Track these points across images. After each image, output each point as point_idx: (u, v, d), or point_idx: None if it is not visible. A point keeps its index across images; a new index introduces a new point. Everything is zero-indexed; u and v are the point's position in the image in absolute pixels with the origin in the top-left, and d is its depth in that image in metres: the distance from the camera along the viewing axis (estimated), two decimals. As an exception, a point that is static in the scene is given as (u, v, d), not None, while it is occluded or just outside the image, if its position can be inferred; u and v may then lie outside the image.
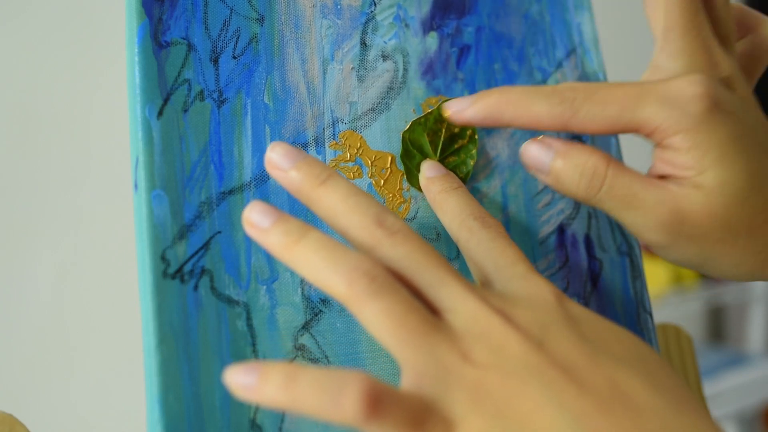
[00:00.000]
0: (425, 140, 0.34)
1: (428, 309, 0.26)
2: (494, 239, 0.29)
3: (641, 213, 0.30)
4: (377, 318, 0.24)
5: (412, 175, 0.33)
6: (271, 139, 0.31)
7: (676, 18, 0.31)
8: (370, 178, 0.33)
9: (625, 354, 0.25)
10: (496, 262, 0.28)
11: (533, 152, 0.31)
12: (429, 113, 0.34)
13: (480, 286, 0.29)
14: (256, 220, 0.26)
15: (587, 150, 0.30)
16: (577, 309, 0.27)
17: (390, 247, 0.26)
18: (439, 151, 0.34)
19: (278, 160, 0.27)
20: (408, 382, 0.24)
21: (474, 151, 0.34)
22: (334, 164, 0.32)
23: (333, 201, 0.27)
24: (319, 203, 0.27)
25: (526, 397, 0.23)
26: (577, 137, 0.37)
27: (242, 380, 0.23)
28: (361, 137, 0.33)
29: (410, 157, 0.34)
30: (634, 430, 0.22)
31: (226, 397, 0.28)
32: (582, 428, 0.22)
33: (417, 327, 0.24)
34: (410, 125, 0.33)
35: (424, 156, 0.34)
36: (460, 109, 0.32)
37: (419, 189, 0.34)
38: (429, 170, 0.33)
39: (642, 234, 0.31)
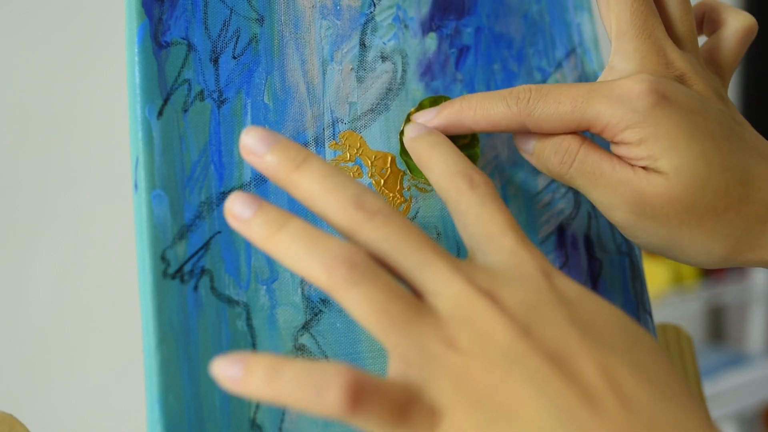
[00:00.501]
0: (425, 140, 0.34)
1: (412, 292, 0.25)
2: (483, 204, 0.28)
3: (607, 191, 0.31)
4: (359, 306, 0.24)
5: (415, 171, 0.34)
6: (271, 140, 0.32)
7: (627, 22, 0.32)
8: (370, 177, 0.33)
9: (617, 338, 0.25)
10: (485, 231, 0.28)
11: (521, 134, 0.33)
12: (420, 107, 0.34)
13: (469, 257, 0.28)
14: (238, 211, 0.25)
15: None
16: (567, 286, 0.26)
17: (370, 229, 0.25)
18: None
19: (252, 145, 0.26)
20: (394, 369, 0.24)
21: (477, 149, 0.34)
22: (334, 164, 0.32)
23: (310, 184, 0.26)
24: (297, 187, 0.26)
25: (511, 387, 0.23)
26: None
27: (228, 372, 0.23)
28: (361, 137, 0.33)
29: (409, 155, 0.34)
30: (621, 426, 0.22)
31: (226, 397, 0.28)
32: (567, 422, 0.22)
33: (400, 314, 0.24)
34: (405, 123, 0.34)
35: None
36: (427, 120, 0.33)
37: (425, 181, 0.34)
38: (411, 131, 0.32)
39: (608, 212, 0.32)
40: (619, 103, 0.30)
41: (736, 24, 0.36)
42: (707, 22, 0.37)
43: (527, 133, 0.32)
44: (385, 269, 0.25)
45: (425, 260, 0.25)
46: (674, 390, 0.24)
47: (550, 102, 0.31)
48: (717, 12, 0.37)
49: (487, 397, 0.23)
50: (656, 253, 0.33)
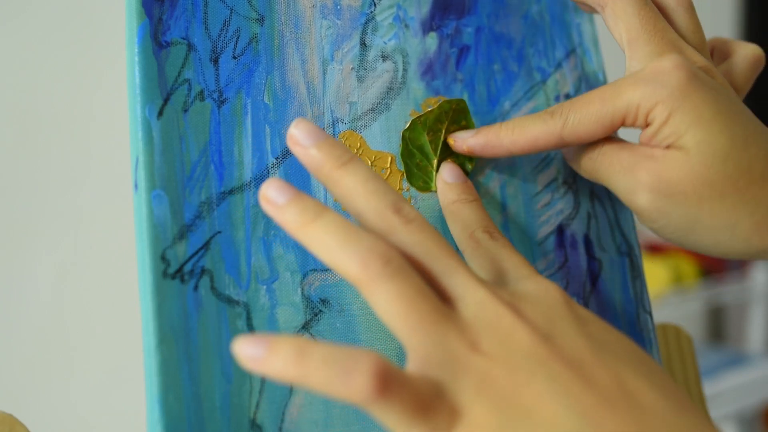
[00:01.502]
0: (425, 140, 0.34)
1: (439, 297, 0.26)
2: (500, 248, 0.30)
3: (625, 175, 0.31)
4: (389, 301, 0.24)
5: (412, 174, 0.34)
6: (272, 140, 0.32)
7: (637, 27, 0.32)
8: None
9: (629, 356, 0.26)
10: (501, 266, 0.29)
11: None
12: (429, 112, 0.34)
13: None
14: (273, 196, 0.26)
15: None
16: (582, 310, 0.27)
17: (405, 233, 0.26)
18: (439, 151, 0.34)
19: (300, 137, 0.27)
20: (414, 367, 0.24)
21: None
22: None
23: (352, 184, 0.27)
24: (338, 185, 0.27)
25: (532, 389, 0.23)
26: None
27: (250, 352, 0.23)
28: (361, 137, 0.33)
29: (410, 156, 0.34)
30: (637, 429, 0.23)
31: (226, 397, 0.28)
32: (587, 423, 0.22)
33: (428, 313, 0.24)
34: (410, 124, 0.34)
35: (424, 155, 0.34)
36: (465, 138, 0.34)
37: (419, 188, 0.34)
38: (448, 175, 0.34)
39: (628, 198, 0.32)
40: (645, 83, 0.30)
41: (746, 52, 0.36)
42: (717, 54, 0.38)
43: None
44: (415, 271, 0.26)
45: (454, 268, 0.26)
46: (683, 402, 0.24)
47: (579, 106, 0.31)
48: (726, 45, 0.37)
49: (509, 398, 0.23)
50: (678, 242, 0.32)
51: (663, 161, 0.30)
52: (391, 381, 0.22)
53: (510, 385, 0.23)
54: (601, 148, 0.33)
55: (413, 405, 0.23)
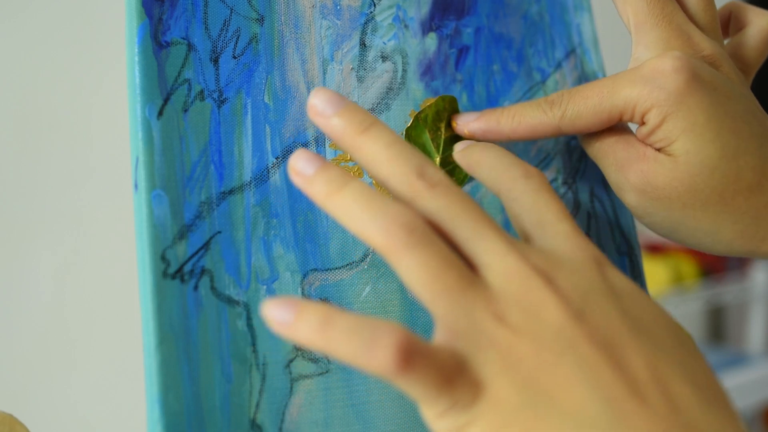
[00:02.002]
0: (427, 137, 0.34)
1: (466, 264, 0.25)
2: (538, 191, 0.28)
3: (617, 170, 0.32)
4: (413, 270, 0.24)
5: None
6: (272, 139, 0.32)
7: (645, 12, 0.32)
8: (371, 177, 0.33)
9: (665, 336, 0.24)
10: (540, 217, 0.27)
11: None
12: (427, 107, 0.34)
13: (521, 240, 0.28)
14: (301, 167, 0.26)
15: None
16: (619, 279, 0.26)
17: (430, 198, 0.25)
18: (441, 149, 0.34)
19: (321, 107, 0.26)
20: (441, 337, 0.24)
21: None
22: (334, 164, 0.32)
23: (375, 149, 0.26)
24: (361, 151, 0.26)
25: (559, 371, 0.22)
26: None
27: (279, 315, 0.23)
28: (361, 137, 0.33)
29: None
30: (666, 423, 0.22)
31: (226, 397, 0.28)
32: (613, 414, 0.22)
33: (453, 282, 0.24)
34: (413, 121, 0.34)
35: (426, 153, 0.34)
36: (467, 121, 0.34)
37: None
38: (459, 146, 0.32)
39: (618, 192, 0.33)
40: (644, 83, 0.30)
41: (762, 23, 0.36)
42: (733, 21, 0.37)
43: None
44: (441, 238, 0.25)
45: (481, 232, 0.25)
46: (716, 395, 0.23)
47: (578, 99, 0.31)
48: (743, 12, 0.37)
49: (533, 378, 0.22)
50: (666, 237, 0.33)
51: (653, 164, 0.31)
52: (414, 354, 0.22)
53: (535, 365, 0.23)
54: (600, 135, 0.33)
55: (437, 378, 0.22)
